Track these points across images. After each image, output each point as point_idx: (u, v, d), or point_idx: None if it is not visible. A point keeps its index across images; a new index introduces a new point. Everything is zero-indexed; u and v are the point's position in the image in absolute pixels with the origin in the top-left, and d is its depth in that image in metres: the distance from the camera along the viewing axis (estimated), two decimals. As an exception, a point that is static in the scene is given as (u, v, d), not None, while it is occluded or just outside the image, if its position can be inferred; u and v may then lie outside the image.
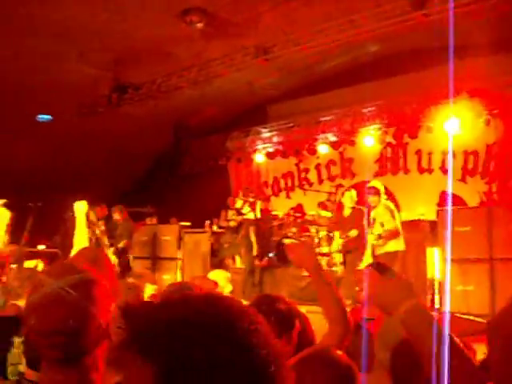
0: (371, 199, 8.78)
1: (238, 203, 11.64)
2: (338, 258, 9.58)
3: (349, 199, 9.64)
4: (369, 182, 10.21)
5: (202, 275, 4.73)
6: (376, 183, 9.11)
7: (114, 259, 8.76)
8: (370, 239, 9.02)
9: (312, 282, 2.75)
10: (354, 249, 9.30)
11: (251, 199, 11.73)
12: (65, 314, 1.70)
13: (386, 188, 9.60)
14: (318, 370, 2.00)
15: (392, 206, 8.88)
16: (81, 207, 4.46)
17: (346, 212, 9.65)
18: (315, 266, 2.70)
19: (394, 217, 8.73)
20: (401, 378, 2.41)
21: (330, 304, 2.58)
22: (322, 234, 10.95)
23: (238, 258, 11.43)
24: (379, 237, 8.75)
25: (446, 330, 1.71)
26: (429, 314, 1.78)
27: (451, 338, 1.69)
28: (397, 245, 8.67)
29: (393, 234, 8.66)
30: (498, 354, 1.73)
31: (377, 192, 8.81)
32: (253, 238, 11.39)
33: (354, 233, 9.21)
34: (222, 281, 4.80)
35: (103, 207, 10.26)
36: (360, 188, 11.91)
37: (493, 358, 1.75)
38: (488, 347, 1.79)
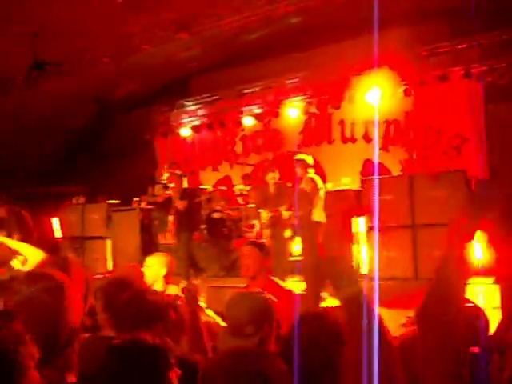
0: (298, 171, 8.90)
1: (165, 178, 11.55)
2: (267, 232, 9.69)
3: (272, 180, 9.71)
4: (294, 153, 10.33)
5: (133, 264, 4.74)
6: (304, 156, 9.20)
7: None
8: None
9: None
10: (280, 222, 9.47)
11: (178, 173, 11.67)
12: (40, 317, 1.81)
13: (314, 160, 9.73)
14: None
15: (317, 179, 9.01)
16: None
17: (271, 188, 9.77)
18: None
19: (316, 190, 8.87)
20: None
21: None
22: (251, 206, 11.05)
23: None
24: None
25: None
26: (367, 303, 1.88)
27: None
28: (318, 216, 8.84)
29: None
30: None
31: (304, 165, 8.91)
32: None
33: (282, 208, 9.36)
34: (157, 265, 4.85)
35: None
36: (284, 159, 12.07)
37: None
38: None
